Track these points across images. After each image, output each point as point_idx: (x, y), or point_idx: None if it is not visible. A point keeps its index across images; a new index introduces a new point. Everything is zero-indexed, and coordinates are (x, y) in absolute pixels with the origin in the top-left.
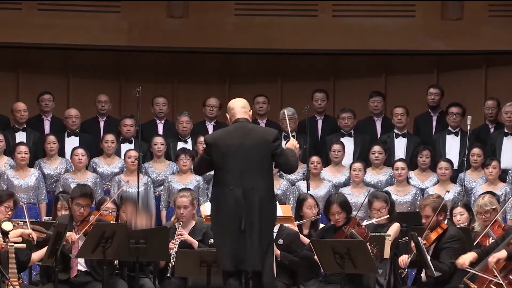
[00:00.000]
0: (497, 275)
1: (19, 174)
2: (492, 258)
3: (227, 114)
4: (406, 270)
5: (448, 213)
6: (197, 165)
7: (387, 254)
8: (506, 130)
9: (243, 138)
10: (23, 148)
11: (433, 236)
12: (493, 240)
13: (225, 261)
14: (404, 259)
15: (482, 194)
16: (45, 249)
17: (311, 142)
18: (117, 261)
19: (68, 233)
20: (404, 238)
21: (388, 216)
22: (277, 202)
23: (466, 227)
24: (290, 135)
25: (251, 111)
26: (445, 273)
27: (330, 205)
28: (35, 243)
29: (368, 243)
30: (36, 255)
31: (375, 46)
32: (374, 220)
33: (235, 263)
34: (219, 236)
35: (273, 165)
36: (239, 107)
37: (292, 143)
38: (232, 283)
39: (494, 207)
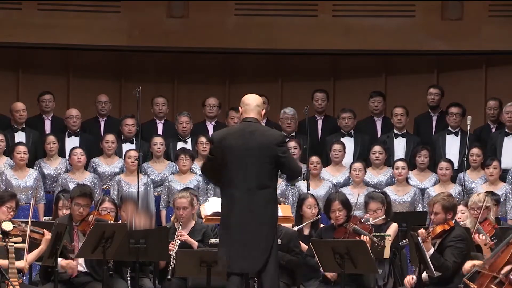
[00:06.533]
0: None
1: (18, 174)
2: (467, 264)
3: (240, 107)
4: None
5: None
6: (203, 166)
7: (387, 254)
8: (506, 130)
9: (248, 139)
10: (22, 148)
11: (439, 229)
12: (482, 236)
13: (227, 263)
14: (409, 280)
15: (481, 192)
16: (38, 250)
17: (311, 142)
18: (111, 261)
19: (65, 262)
20: (404, 241)
21: (384, 216)
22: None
23: (467, 227)
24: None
25: (264, 110)
26: (447, 270)
27: (331, 202)
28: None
29: (372, 235)
30: (30, 257)
31: (375, 46)
32: (371, 221)
33: (235, 265)
34: (222, 237)
35: (278, 169)
36: (254, 105)
37: None
38: (233, 283)
39: (487, 204)
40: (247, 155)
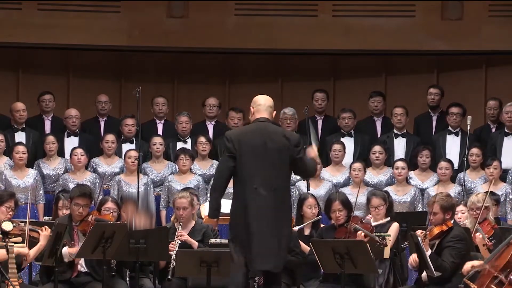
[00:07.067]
0: (498, 275)
1: (17, 174)
2: (466, 265)
3: (251, 108)
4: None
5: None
6: (219, 172)
7: (387, 254)
8: (506, 130)
9: (267, 139)
10: (21, 148)
11: (436, 230)
12: (480, 236)
13: (253, 261)
14: (414, 258)
15: (480, 192)
16: (37, 246)
17: (311, 142)
18: (114, 261)
19: (71, 249)
20: (405, 243)
21: (385, 214)
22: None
23: (467, 227)
24: (314, 143)
25: (275, 111)
26: (445, 271)
27: (331, 202)
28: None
29: (374, 235)
30: (32, 252)
31: (375, 46)
32: (372, 220)
33: (259, 264)
34: (242, 235)
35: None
36: (266, 105)
37: (314, 154)
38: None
39: (486, 205)
40: (269, 155)
